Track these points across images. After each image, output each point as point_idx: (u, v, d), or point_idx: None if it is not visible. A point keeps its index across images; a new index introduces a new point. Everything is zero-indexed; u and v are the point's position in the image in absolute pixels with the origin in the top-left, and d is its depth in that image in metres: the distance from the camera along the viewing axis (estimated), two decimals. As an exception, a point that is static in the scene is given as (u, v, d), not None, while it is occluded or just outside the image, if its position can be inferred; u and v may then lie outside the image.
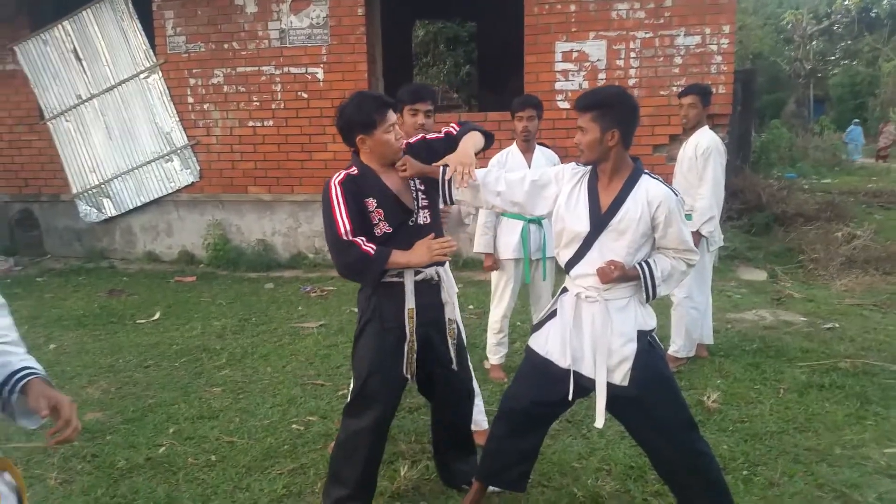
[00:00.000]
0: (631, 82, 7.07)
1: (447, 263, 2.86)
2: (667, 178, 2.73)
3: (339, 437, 2.84)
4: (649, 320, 2.56)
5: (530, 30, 7.35)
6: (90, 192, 8.72)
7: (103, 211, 8.71)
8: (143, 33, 8.26)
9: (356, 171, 2.66)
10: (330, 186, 2.62)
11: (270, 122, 8.09)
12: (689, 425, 2.56)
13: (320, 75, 7.85)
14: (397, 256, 2.61)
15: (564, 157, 4.26)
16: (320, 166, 7.91)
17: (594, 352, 2.50)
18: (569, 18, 7.23)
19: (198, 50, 8.15)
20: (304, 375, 4.60)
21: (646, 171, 2.54)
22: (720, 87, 6.92)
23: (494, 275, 4.44)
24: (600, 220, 2.48)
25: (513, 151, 4.27)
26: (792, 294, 6.40)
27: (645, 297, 2.52)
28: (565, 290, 2.64)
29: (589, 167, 2.56)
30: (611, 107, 2.43)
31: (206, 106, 8.24)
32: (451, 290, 2.86)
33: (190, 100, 8.28)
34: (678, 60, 7.05)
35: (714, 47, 6.97)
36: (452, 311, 2.82)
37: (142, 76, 8.34)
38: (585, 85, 7.18)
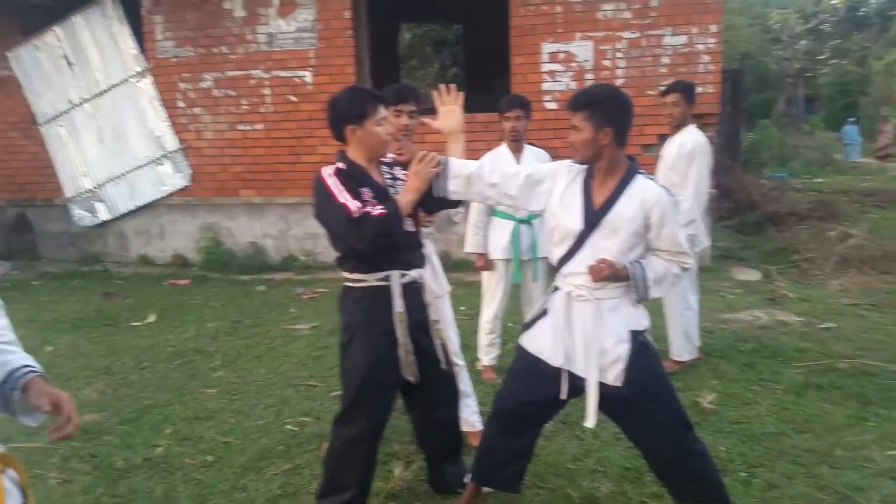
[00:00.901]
0: (618, 82, 7.05)
1: (427, 266, 2.83)
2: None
3: (332, 446, 2.80)
4: (642, 320, 2.54)
5: (516, 31, 7.39)
6: (83, 196, 8.77)
7: (97, 215, 8.76)
8: (133, 38, 8.30)
9: (344, 166, 2.65)
10: (323, 177, 2.58)
11: (260, 126, 8.13)
12: (685, 425, 2.55)
13: (308, 78, 7.90)
14: (402, 198, 2.57)
15: (553, 158, 4.23)
16: (310, 169, 7.88)
17: (585, 351, 2.49)
18: (555, 19, 7.27)
19: (187, 54, 8.20)
20: (297, 377, 4.63)
21: (641, 171, 2.54)
22: (708, 86, 6.95)
23: (485, 275, 4.40)
24: (593, 217, 2.46)
25: (502, 151, 4.22)
26: (787, 294, 6.30)
27: (636, 297, 2.49)
28: (556, 288, 2.62)
29: (584, 165, 2.56)
30: (603, 105, 2.45)
31: (196, 110, 8.29)
32: (440, 290, 2.88)
33: (180, 104, 8.32)
34: (665, 60, 7.09)
35: (701, 47, 7.01)
36: (436, 312, 2.82)
37: (132, 81, 8.39)
38: (573, 85, 7.21)
